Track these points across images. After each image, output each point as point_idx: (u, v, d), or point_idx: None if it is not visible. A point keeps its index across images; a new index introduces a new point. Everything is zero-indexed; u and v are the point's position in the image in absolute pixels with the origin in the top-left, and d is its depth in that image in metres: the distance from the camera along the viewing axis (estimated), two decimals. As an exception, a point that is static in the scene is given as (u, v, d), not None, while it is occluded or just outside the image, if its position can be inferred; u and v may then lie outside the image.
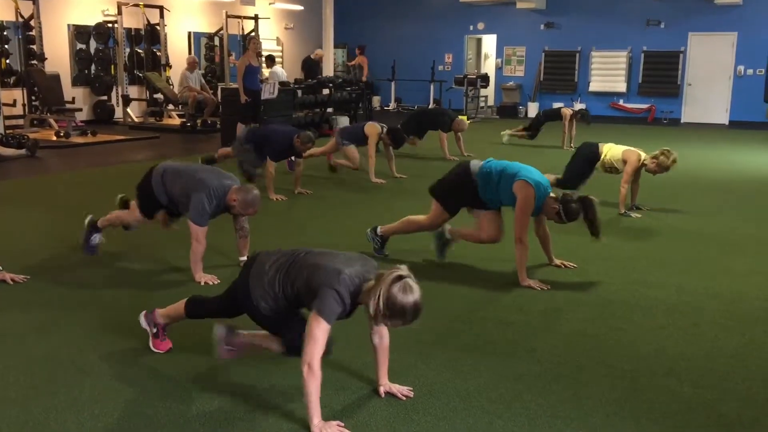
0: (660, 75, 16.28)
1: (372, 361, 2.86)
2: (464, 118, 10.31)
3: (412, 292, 2.44)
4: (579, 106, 15.07)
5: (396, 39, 18.85)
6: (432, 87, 17.65)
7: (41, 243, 4.99)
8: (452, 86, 17.05)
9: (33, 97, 11.49)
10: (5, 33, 11.53)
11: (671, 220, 6.18)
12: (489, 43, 18.87)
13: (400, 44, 18.72)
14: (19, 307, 3.76)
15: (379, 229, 4.83)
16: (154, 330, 3.18)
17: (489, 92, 17.82)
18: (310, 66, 14.97)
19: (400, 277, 2.45)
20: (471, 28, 18.40)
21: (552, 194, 4.32)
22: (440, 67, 18.29)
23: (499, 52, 18.24)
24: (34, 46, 11.67)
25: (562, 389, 2.94)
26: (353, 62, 17.13)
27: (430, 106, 16.23)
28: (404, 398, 2.79)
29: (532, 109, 16.90)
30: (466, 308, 3.91)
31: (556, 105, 13.41)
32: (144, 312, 3.23)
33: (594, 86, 16.93)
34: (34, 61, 11.60)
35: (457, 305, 3.92)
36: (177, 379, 2.94)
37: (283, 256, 2.78)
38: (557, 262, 4.69)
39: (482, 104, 17.33)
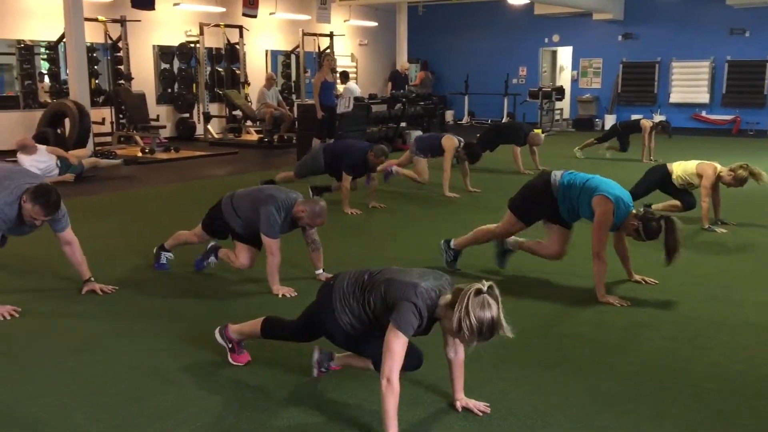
0: (745, 85, 15.70)
1: (446, 376, 2.86)
2: (539, 131, 10.20)
3: (490, 308, 2.40)
4: (659, 117, 14.67)
5: (469, 53, 18.82)
6: (506, 100, 17.53)
7: (127, 255, 5.20)
8: (526, 99, 16.88)
9: (120, 115, 12.01)
10: (95, 54, 12.10)
11: (757, 236, 5.93)
12: (564, 55, 18.62)
13: (474, 58, 18.68)
14: (107, 317, 3.92)
15: (452, 243, 4.82)
16: (230, 345, 3.23)
17: (564, 105, 17.56)
18: (396, 79, 15.12)
19: (480, 292, 2.42)
20: (546, 40, 18.21)
21: (633, 210, 4.22)
22: (514, 81, 18.16)
23: (575, 64, 17.98)
24: (122, 67, 12.22)
25: (644, 409, 2.86)
26: (416, 83, 17.21)
27: (503, 120, 16.12)
28: (481, 414, 2.77)
29: (609, 122, 16.54)
30: (542, 323, 3.85)
31: (635, 117, 13.08)
32: (218, 328, 3.28)
33: (675, 97, 16.46)
34: (122, 81, 12.14)
35: (532, 320, 3.87)
36: (257, 390, 3.01)
37: (360, 274, 2.80)
38: (637, 277, 4.57)
39: (557, 117, 17.10)
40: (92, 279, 4.33)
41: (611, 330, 3.76)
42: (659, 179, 6.39)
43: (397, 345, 2.48)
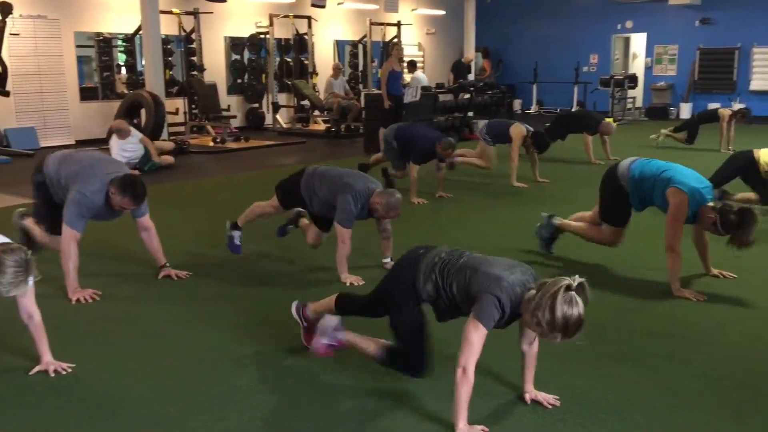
0: (833, 71, 14.92)
1: (515, 367, 2.83)
2: (611, 120, 9.95)
3: (577, 305, 2.35)
4: (738, 106, 14.10)
5: (538, 40, 18.49)
6: (576, 89, 17.17)
7: (199, 241, 5.34)
8: (597, 87, 16.49)
9: (193, 106, 12.31)
10: (169, 46, 12.43)
11: None
12: (638, 41, 18.08)
13: (543, 46, 18.34)
14: (181, 302, 4.04)
15: (556, 219, 4.78)
16: (305, 324, 3.25)
17: (637, 93, 17.07)
18: (460, 69, 15.04)
19: (568, 288, 2.36)
20: (619, 26, 17.72)
21: (710, 203, 4.06)
22: (585, 68, 17.75)
23: (649, 51, 17.43)
24: (195, 58, 12.51)
25: (723, 406, 2.77)
26: (484, 76, 17.04)
27: (573, 109, 15.80)
28: (550, 407, 2.74)
29: (685, 110, 16.01)
30: (614, 317, 3.77)
31: (712, 106, 12.60)
32: (296, 303, 3.30)
33: (755, 84, 15.78)
34: (195, 72, 12.43)
35: (604, 313, 3.78)
36: (326, 374, 3.05)
37: (445, 253, 2.75)
38: (715, 271, 4.42)
39: (629, 106, 16.64)
40: (167, 265, 4.46)
41: (687, 325, 3.65)
42: (742, 167, 6.07)
43: (475, 336, 2.47)
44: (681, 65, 16.88)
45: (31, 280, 2.81)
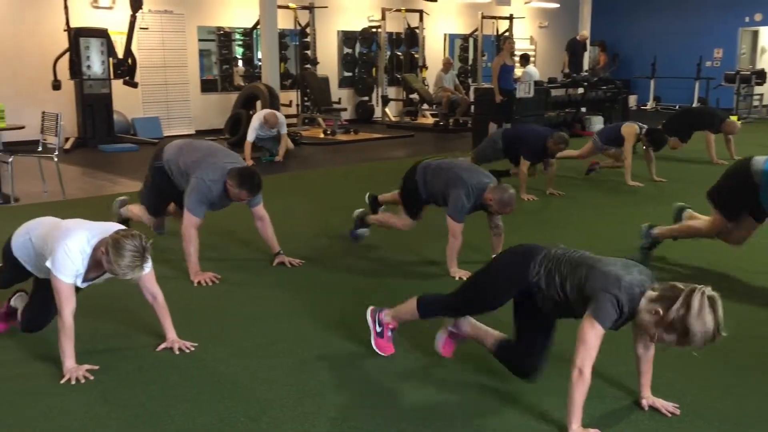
0: None
1: (630, 371, 2.74)
2: (735, 118, 9.43)
3: (713, 313, 2.26)
4: None
5: (657, 34, 17.75)
6: (697, 84, 16.37)
7: (312, 231, 5.48)
8: (721, 83, 15.65)
9: (305, 98, 12.63)
10: (285, 40, 12.79)
11: None
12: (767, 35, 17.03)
13: (662, 39, 17.59)
14: (294, 289, 4.16)
15: (655, 230, 4.60)
16: (379, 329, 3.20)
17: (765, 90, 16.08)
18: (575, 49, 14.63)
19: (703, 295, 2.27)
20: (747, 19, 16.75)
21: None
22: (708, 63, 16.89)
23: (780, 45, 16.39)
24: (309, 52, 12.82)
25: None
26: (600, 65, 16.53)
27: (693, 105, 15.08)
28: (669, 415, 2.64)
29: (819, 109, 14.97)
30: (736, 325, 3.55)
31: None
32: (371, 308, 3.27)
33: None
34: (308, 65, 12.74)
35: (727, 321, 3.59)
36: (434, 368, 3.06)
37: (557, 249, 2.69)
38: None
39: (756, 103, 15.70)
40: (281, 252, 4.61)
41: (820, 338, 3.42)
42: None
43: (592, 336, 2.41)
44: (816, 60, 15.78)
45: (148, 265, 2.98)
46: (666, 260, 4.63)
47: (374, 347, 3.18)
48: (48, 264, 2.92)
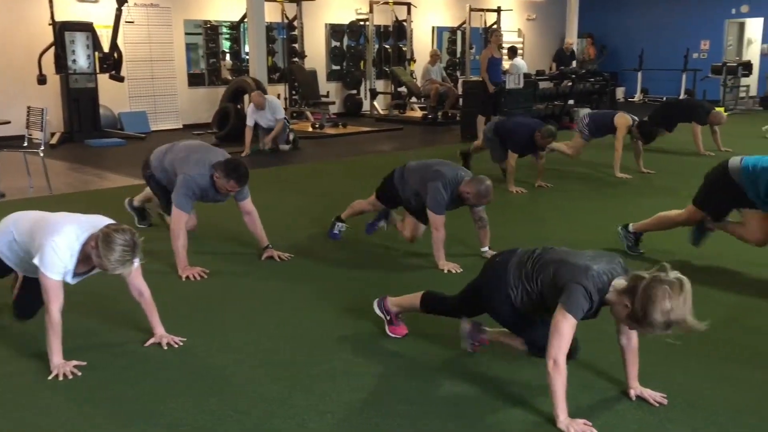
0: None
1: (618, 361, 2.76)
2: (721, 110, 9.48)
3: (671, 299, 2.27)
4: None
5: (644, 26, 17.81)
6: (684, 76, 16.44)
7: (300, 224, 5.47)
8: (707, 75, 15.72)
9: (293, 92, 12.58)
10: (272, 33, 12.73)
11: None
12: (754, 27, 17.11)
13: (650, 31, 17.65)
14: (282, 282, 4.16)
15: (631, 227, 4.62)
16: (388, 317, 3.32)
17: (751, 81, 16.17)
18: (561, 57, 14.75)
19: (662, 281, 2.30)
20: (733, 11, 16.83)
21: None
22: (695, 55, 16.96)
23: (766, 37, 16.47)
24: (296, 45, 12.77)
25: None
26: (590, 58, 16.62)
27: (680, 97, 15.14)
28: (657, 405, 2.66)
29: (804, 100, 15.06)
30: (728, 315, 3.60)
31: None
32: (377, 300, 3.37)
33: None
34: (296, 59, 12.69)
35: (717, 311, 3.60)
36: (419, 362, 3.07)
37: (526, 253, 2.76)
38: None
39: (742, 95, 15.78)
40: (270, 246, 4.60)
41: (806, 327, 3.45)
42: None
43: (565, 326, 2.44)
44: (801, 52, 15.88)
45: (137, 261, 2.96)
46: (657, 252, 4.63)
47: (389, 334, 3.30)
48: (36, 261, 2.89)
